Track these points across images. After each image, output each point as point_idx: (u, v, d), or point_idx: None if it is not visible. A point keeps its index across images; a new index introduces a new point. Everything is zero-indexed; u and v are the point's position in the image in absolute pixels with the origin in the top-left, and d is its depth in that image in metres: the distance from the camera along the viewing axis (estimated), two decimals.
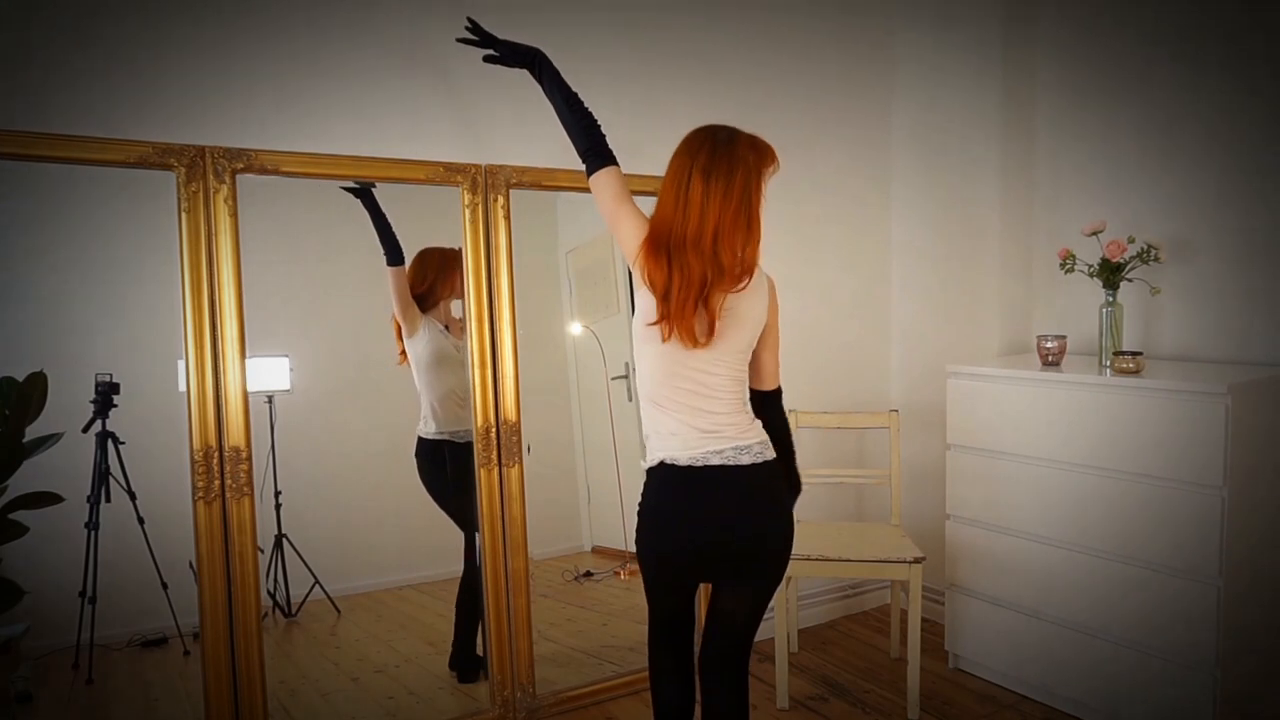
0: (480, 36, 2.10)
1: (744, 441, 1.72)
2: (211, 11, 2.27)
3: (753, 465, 1.71)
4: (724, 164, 1.67)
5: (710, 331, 1.68)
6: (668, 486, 1.73)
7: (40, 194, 2.13)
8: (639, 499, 1.80)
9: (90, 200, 2.17)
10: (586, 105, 1.89)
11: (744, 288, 1.71)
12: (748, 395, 1.81)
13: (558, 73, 1.95)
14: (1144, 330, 2.80)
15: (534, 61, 1.99)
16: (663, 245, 1.68)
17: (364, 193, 2.45)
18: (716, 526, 1.70)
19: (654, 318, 1.69)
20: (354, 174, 2.36)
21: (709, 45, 3.01)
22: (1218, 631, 2.21)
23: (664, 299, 1.67)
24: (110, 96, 2.15)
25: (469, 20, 2.13)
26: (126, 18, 2.18)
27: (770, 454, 1.75)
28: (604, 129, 1.87)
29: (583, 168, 1.85)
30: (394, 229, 2.51)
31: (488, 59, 2.09)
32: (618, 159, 1.85)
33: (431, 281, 2.59)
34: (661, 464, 1.73)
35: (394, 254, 2.52)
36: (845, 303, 3.37)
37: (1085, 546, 2.48)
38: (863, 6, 3.32)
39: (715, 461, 1.70)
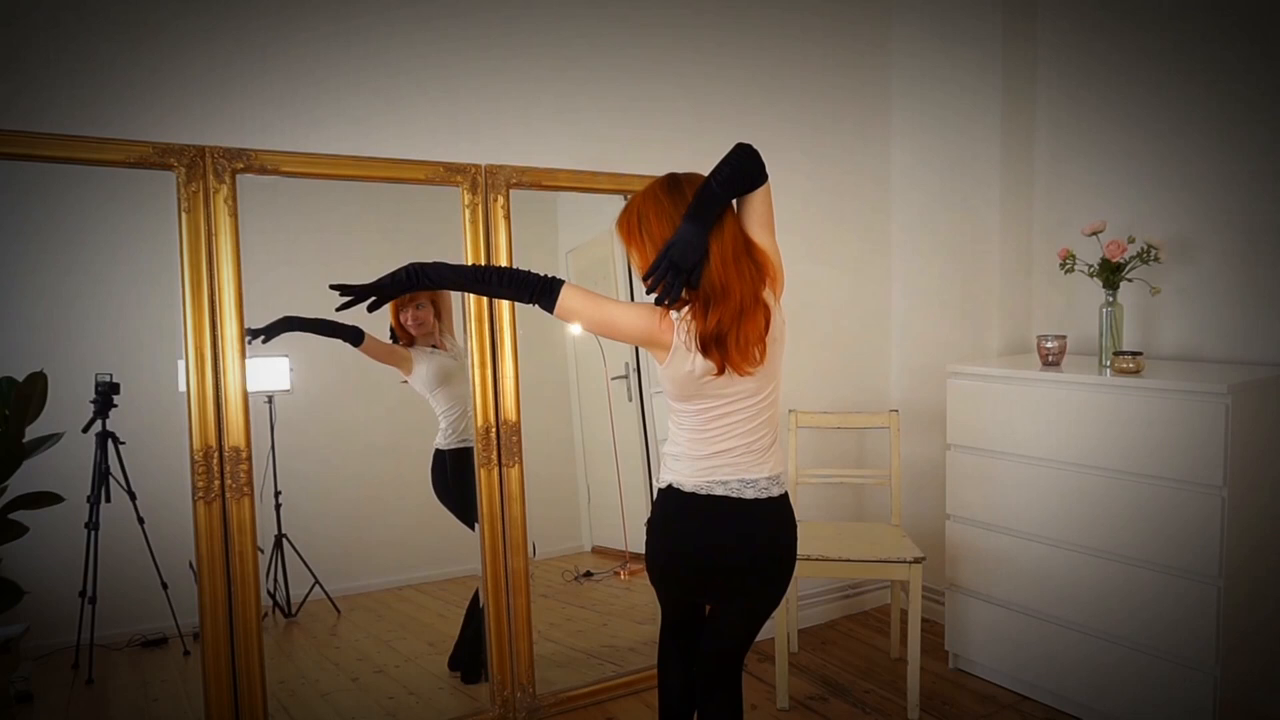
0: (355, 294, 1.75)
1: (751, 475, 1.70)
2: (212, 11, 2.27)
3: (755, 500, 1.70)
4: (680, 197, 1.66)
5: (764, 353, 1.65)
6: (670, 509, 1.75)
7: (40, 194, 2.13)
8: (645, 507, 1.80)
9: (90, 200, 2.17)
10: (488, 265, 1.78)
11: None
12: (776, 423, 1.77)
13: (445, 264, 1.74)
14: (1144, 330, 2.80)
15: (416, 276, 1.73)
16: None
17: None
18: (710, 553, 1.70)
19: (690, 366, 1.64)
20: (354, 174, 2.35)
21: (706, 46, 3.01)
22: (1218, 631, 2.21)
23: (712, 328, 1.61)
24: (110, 96, 2.15)
25: (335, 287, 1.75)
26: (127, 18, 2.18)
27: (777, 489, 1.73)
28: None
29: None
30: (335, 320, 2.35)
31: (372, 307, 1.76)
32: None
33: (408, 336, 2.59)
34: (669, 486, 1.75)
35: (354, 337, 2.46)
36: (845, 302, 3.37)
37: (1085, 546, 2.48)
38: (861, 5, 3.32)
39: (719, 492, 1.69)
